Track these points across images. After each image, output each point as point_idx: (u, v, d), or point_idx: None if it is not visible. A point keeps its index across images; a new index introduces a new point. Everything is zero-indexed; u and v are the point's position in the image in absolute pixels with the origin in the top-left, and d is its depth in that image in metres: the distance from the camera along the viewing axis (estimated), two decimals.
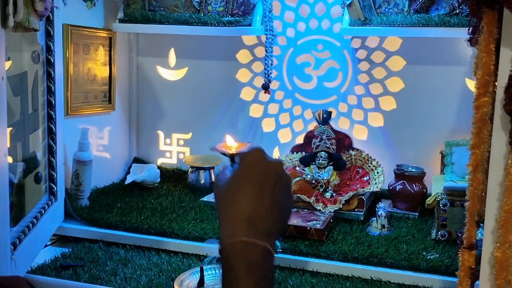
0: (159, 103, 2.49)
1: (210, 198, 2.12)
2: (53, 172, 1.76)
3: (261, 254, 0.81)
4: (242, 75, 2.37)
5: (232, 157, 1.03)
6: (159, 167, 2.36)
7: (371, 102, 2.24)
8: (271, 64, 2.14)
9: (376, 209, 1.86)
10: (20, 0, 1.29)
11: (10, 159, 1.39)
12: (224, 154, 1.11)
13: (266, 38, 2.12)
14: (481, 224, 1.14)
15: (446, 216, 1.75)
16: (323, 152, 2.04)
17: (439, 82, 2.14)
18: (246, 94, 2.38)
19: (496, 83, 1.08)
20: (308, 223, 1.77)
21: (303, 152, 2.12)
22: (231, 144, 1.08)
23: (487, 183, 1.09)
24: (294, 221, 1.78)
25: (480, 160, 1.08)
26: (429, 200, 1.90)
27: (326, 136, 2.06)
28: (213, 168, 2.28)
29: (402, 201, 2.01)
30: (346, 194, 1.94)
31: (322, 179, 2.01)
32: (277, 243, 1.69)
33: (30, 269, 1.60)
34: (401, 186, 2.00)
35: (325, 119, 2.07)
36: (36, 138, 1.65)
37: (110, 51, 2.25)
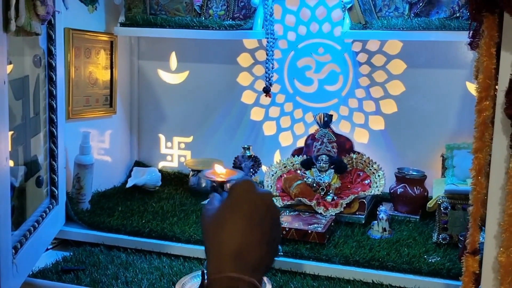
0: (160, 106, 2.49)
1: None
2: (54, 175, 1.76)
3: None
4: (243, 79, 2.37)
5: (221, 184, 1.02)
6: (160, 171, 2.36)
7: (372, 105, 2.24)
8: (272, 68, 2.14)
9: (377, 212, 1.86)
10: (22, 4, 1.29)
11: (11, 163, 1.39)
12: (213, 181, 1.09)
13: (267, 42, 2.12)
14: (482, 228, 1.13)
15: (447, 219, 1.75)
16: (324, 156, 2.04)
17: (440, 85, 2.14)
18: (247, 97, 2.38)
19: (497, 87, 1.08)
20: (309, 226, 1.77)
21: (304, 156, 2.12)
22: (220, 171, 1.07)
23: (489, 187, 1.09)
24: (295, 224, 1.78)
25: (483, 164, 1.07)
26: (430, 203, 1.90)
27: (327, 139, 2.06)
28: None
29: (403, 204, 2.01)
30: (347, 197, 1.94)
31: (323, 182, 2.01)
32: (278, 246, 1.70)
33: (31, 273, 1.60)
34: (402, 189, 2.00)
35: (326, 122, 2.07)
36: (38, 142, 1.65)
37: (111, 54, 2.25)
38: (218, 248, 0.81)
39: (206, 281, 0.81)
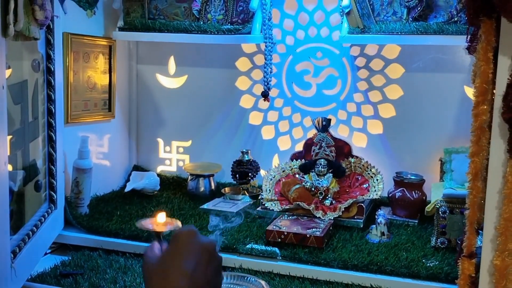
0: (158, 110, 2.50)
1: (210, 205, 2.12)
2: (53, 180, 1.76)
3: None
4: (242, 83, 2.38)
5: (158, 234, 1.01)
6: (158, 175, 2.36)
7: (370, 109, 2.24)
8: (271, 72, 2.15)
9: (376, 216, 1.86)
10: (20, 9, 1.29)
11: (10, 167, 1.39)
12: (149, 231, 1.08)
13: (266, 46, 2.12)
14: (480, 232, 1.14)
15: (446, 223, 1.75)
16: (322, 160, 2.04)
17: (438, 90, 2.15)
18: (246, 101, 2.38)
19: (494, 91, 1.08)
20: (307, 230, 1.77)
21: (303, 160, 2.12)
22: (160, 221, 1.06)
23: (486, 191, 1.09)
24: (294, 228, 1.78)
25: (479, 168, 1.08)
26: (428, 207, 1.90)
27: (326, 144, 2.06)
28: (212, 175, 2.28)
29: (402, 208, 2.01)
30: (346, 201, 1.94)
31: (322, 186, 2.01)
32: (277, 250, 1.70)
33: (30, 277, 1.60)
34: (401, 193, 2.01)
35: (324, 126, 2.07)
36: (36, 146, 1.65)
37: (110, 59, 2.26)
38: None
39: None
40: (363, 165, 2.07)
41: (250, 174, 2.23)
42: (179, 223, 1.08)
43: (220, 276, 0.87)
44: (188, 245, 0.84)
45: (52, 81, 1.72)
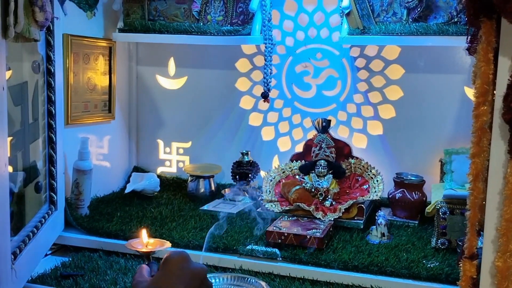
0: (158, 112, 2.50)
1: (210, 207, 2.12)
2: (53, 181, 1.76)
3: None
4: (242, 84, 2.38)
5: (147, 255, 1.00)
6: (158, 176, 2.36)
7: (370, 110, 2.24)
8: (270, 73, 2.15)
9: (376, 217, 1.86)
10: (20, 10, 1.29)
11: (10, 169, 1.39)
12: (138, 252, 1.06)
13: (265, 47, 2.12)
14: (481, 233, 1.13)
15: (446, 224, 1.75)
16: (322, 161, 2.05)
17: (438, 90, 2.15)
18: (246, 102, 2.38)
19: (494, 92, 1.08)
20: (308, 231, 1.77)
21: (303, 161, 2.13)
22: (147, 241, 1.04)
23: (487, 192, 1.09)
24: (294, 229, 1.78)
25: (480, 169, 1.07)
26: (428, 208, 1.90)
27: (326, 145, 2.07)
28: (212, 176, 2.28)
29: (402, 209, 2.01)
30: (346, 202, 1.94)
31: (322, 187, 2.01)
32: (277, 251, 1.70)
33: (30, 278, 1.60)
34: (401, 194, 2.01)
35: (324, 127, 2.07)
36: (36, 148, 1.65)
37: (110, 60, 2.26)
38: None
39: None
40: (363, 166, 2.07)
41: (250, 175, 2.23)
42: (168, 244, 1.07)
43: None
44: (179, 271, 0.83)
45: (52, 82, 1.72)
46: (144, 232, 1.05)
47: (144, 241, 1.04)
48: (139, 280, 0.86)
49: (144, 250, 1.02)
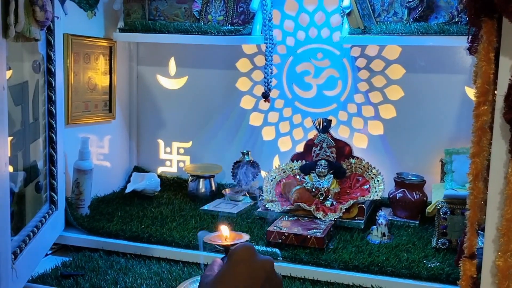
0: (159, 112, 2.50)
1: (210, 206, 2.12)
2: (53, 181, 1.76)
3: None
4: (242, 84, 2.38)
5: (227, 249, 0.99)
6: (159, 176, 2.36)
7: (371, 110, 2.24)
8: (271, 73, 2.15)
9: (377, 217, 1.86)
10: (21, 10, 1.29)
11: (11, 168, 1.39)
12: (218, 246, 1.06)
13: (266, 47, 2.12)
14: (480, 233, 1.13)
15: (447, 224, 1.75)
16: (323, 161, 2.04)
17: (439, 90, 2.15)
18: (246, 102, 2.38)
19: (495, 92, 1.08)
20: (308, 231, 1.77)
21: (303, 161, 2.12)
22: (226, 234, 1.04)
23: (487, 191, 1.09)
24: (294, 229, 1.78)
25: (480, 169, 1.07)
26: (429, 208, 1.90)
27: (326, 145, 2.07)
28: (213, 176, 2.28)
29: (402, 209, 2.01)
30: (347, 202, 1.94)
31: (322, 187, 2.01)
32: (278, 251, 1.70)
33: (31, 278, 1.60)
34: (401, 194, 2.01)
35: (325, 127, 2.07)
36: (37, 147, 1.65)
37: (110, 60, 2.26)
38: None
39: None
40: (363, 166, 2.07)
41: (250, 175, 2.23)
42: (247, 236, 1.06)
43: None
44: (244, 264, 0.81)
45: (53, 82, 1.72)
46: (224, 227, 1.05)
47: (224, 235, 1.04)
48: (207, 273, 0.86)
49: (224, 244, 1.02)
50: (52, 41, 1.71)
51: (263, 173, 2.27)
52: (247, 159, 2.24)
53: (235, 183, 2.25)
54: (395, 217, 2.01)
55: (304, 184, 2.03)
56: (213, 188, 2.28)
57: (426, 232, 1.90)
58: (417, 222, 1.98)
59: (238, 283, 0.80)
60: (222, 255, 0.98)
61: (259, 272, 0.81)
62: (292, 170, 2.13)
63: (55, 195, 1.77)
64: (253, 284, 0.80)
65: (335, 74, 2.27)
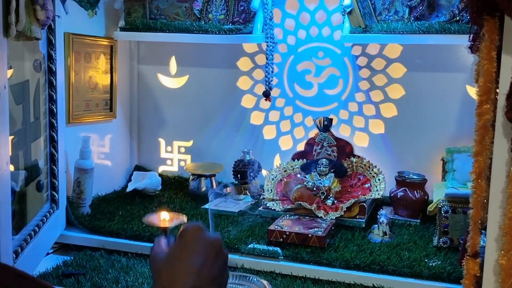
0: (160, 110, 2.50)
1: (211, 205, 2.12)
2: (54, 180, 1.76)
3: None
4: (243, 83, 2.38)
5: (164, 230, 1.03)
6: (160, 175, 2.36)
7: (372, 109, 2.24)
8: (272, 72, 2.14)
9: (378, 216, 1.86)
10: (22, 9, 1.29)
11: (12, 167, 1.39)
12: (155, 226, 1.10)
13: (267, 46, 2.12)
14: (483, 231, 1.13)
15: (448, 223, 1.75)
16: (324, 159, 2.04)
17: (440, 89, 2.15)
18: (247, 101, 2.38)
19: (497, 90, 1.08)
20: (309, 230, 1.77)
21: (304, 159, 2.12)
22: (164, 216, 1.07)
23: (490, 190, 1.09)
24: (296, 228, 1.78)
25: (483, 168, 1.08)
26: (430, 207, 1.90)
27: (327, 143, 2.06)
28: (214, 175, 2.28)
29: (404, 208, 2.01)
30: (348, 201, 1.94)
31: (323, 186, 2.00)
32: (279, 250, 1.70)
33: None
34: (403, 193, 2.00)
35: (326, 126, 2.07)
36: (38, 146, 1.65)
37: (111, 59, 2.26)
38: None
39: None
40: (364, 165, 2.07)
41: (251, 174, 2.23)
42: (184, 218, 1.09)
43: (226, 272, 0.88)
44: (195, 241, 0.85)
45: (54, 81, 1.72)
46: (163, 212, 1.08)
47: (162, 217, 1.06)
48: (156, 251, 0.89)
49: (162, 224, 1.05)
50: (53, 40, 1.71)
51: (264, 172, 2.27)
52: (248, 158, 2.24)
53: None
54: (396, 216, 2.01)
55: (305, 183, 2.03)
56: (214, 187, 2.28)
57: (428, 231, 1.90)
58: (418, 221, 1.98)
59: (191, 259, 0.83)
60: None
61: (210, 247, 0.85)
62: (293, 169, 2.13)
63: (56, 194, 1.77)
64: (205, 259, 0.84)
65: (336, 73, 2.27)
